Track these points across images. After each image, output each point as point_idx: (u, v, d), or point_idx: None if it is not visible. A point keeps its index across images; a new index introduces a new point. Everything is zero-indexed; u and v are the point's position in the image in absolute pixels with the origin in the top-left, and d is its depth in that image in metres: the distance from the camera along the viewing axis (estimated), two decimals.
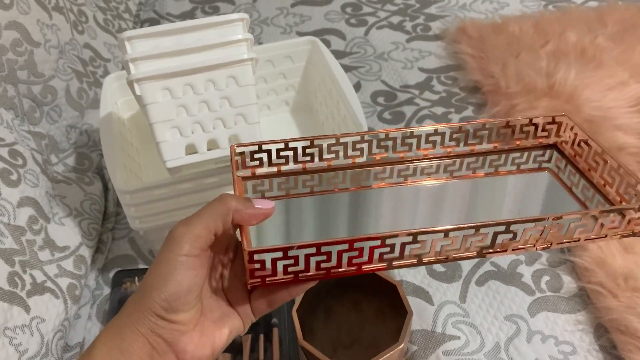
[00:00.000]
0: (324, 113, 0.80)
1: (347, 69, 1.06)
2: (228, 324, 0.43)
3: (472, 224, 0.42)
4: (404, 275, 0.72)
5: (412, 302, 0.68)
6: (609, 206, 0.51)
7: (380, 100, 0.99)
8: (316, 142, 0.53)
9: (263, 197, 0.51)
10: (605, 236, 0.46)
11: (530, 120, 0.57)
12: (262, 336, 0.64)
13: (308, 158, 0.54)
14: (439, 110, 0.96)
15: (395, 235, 0.41)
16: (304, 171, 0.54)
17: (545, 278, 0.71)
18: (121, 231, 0.79)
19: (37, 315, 0.59)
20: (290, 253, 0.41)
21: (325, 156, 0.54)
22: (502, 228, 0.43)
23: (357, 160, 0.55)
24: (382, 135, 0.55)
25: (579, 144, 0.56)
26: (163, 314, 0.39)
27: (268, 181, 0.54)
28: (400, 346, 0.53)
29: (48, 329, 0.60)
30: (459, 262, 0.68)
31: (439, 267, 0.73)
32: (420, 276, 0.72)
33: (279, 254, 0.41)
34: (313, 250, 0.41)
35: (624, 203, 0.50)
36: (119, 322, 0.40)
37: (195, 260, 0.40)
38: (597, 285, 0.67)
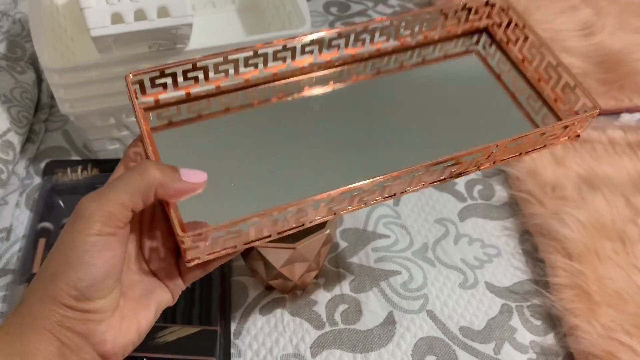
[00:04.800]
0: (270, 12, 0.77)
1: None
2: (154, 300, 0.37)
3: (409, 169, 0.39)
4: None
5: None
6: (543, 107, 0.49)
7: (333, 10, 0.96)
8: (230, 57, 0.46)
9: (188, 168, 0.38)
10: (544, 146, 0.45)
11: (464, 5, 0.52)
12: None
13: (222, 75, 0.47)
14: None
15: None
16: (218, 92, 0.48)
17: (478, 187, 0.72)
18: (55, 123, 0.76)
19: None
20: (233, 228, 0.35)
21: (242, 70, 0.48)
22: (451, 163, 0.41)
23: (279, 70, 0.49)
24: (309, 39, 0.49)
25: (513, 30, 0.52)
26: (73, 304, 0.32)
27: (175, 108, 0.47)
28: (326, 232, 0.54)
29: None
30: None
31: None
32: None
33: (222, 233, 0.35)
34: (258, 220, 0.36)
35: (559, 103, 0.48)
36: (16, 320, 0.33)
37: (110, 239, 0.33)
38: (526, 193, 0.69)
